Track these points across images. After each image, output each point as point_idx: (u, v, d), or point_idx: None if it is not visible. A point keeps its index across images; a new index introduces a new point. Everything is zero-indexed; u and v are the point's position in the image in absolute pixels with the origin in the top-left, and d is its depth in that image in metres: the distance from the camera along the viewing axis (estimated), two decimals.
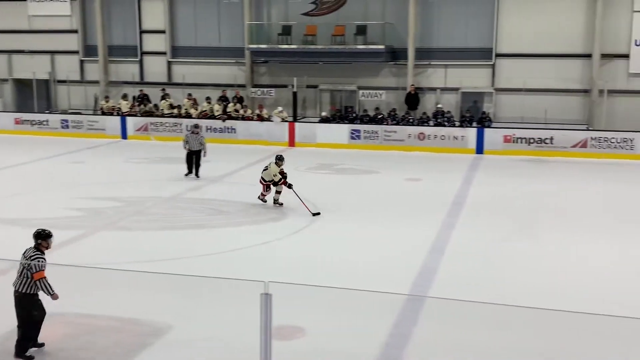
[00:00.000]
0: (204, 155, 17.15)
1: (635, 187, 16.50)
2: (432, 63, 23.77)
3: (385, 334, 7.72)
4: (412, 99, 23.25)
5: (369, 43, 23.57)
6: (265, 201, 14.23)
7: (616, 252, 11.20)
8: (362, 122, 22.93)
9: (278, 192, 14.07)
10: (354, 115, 23.51)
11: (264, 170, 14.10)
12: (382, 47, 23.29)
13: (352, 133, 22.54)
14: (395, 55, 23.93)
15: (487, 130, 21.52)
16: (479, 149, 21.36)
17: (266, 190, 14.14)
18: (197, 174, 17.06)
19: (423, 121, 22.47)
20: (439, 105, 22.85)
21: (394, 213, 13.75)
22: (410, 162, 20.09)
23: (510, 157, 20.65)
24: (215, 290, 8.74)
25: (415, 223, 12.92)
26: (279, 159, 13.96)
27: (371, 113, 23.12)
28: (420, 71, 23.90)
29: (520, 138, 21.09)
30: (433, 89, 23.88)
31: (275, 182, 13.90)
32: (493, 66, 23.27)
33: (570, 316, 6.40)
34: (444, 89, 23.80)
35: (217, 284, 7.84)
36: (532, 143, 20.94)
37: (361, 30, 23.74)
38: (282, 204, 14.05)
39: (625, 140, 20.26)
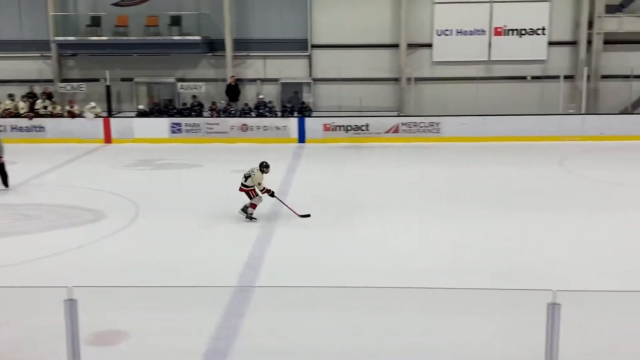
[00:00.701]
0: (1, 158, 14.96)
1: (443, 168, 17.70)
2: (250, 54, 23.79)
3: (213, 327, 7.56)
4: (233, 91, 23.11)
5: (185, 34, 23.05)
6: (254, 219, 12.34)
7: (428, 230, 11.92)
8: (182, 115, 22.40)
9: (252, 205, 12.38)
10: (173, 108, 22.90)
11: (246, 176, 12.47)
12: (198, 38, 22.87)
13: (173, 127, 21.94)
14: (213, 46, 23.63)
15: (307, 120, 21.99)
16: (301, 138, 21.78)
17: (253, 197, 12.35)
18: (6, 184, 15.14)
19: (245, 112, 22.44)
20: (260, 96, 22.94)
21: (218, 206, 13.55)
22: (234, 153, 19.98)
23: (330, 144, 21.28)
24: (21, 300, 8.01)
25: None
26: (265, 167, 12.45)
27: (190, 103, 22.66)
28: (240, 62, 23.83)
29: (338, 126, 21.80)
30: (253, 80, 23.92)
31: (257, 190, 12.34)
32: (309, 57, 23.80)
33: (385, 292, 6.66)
34: (264, 80, 23.93)
35: (21, 293, 7.19)
36: (350, 130, 21.75)
37: (175, 20, 23.13)
38: (256, 219, 12.36)
39: (432, 124, 21.70)
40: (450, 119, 21.78)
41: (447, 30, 23.15)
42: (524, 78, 23.25)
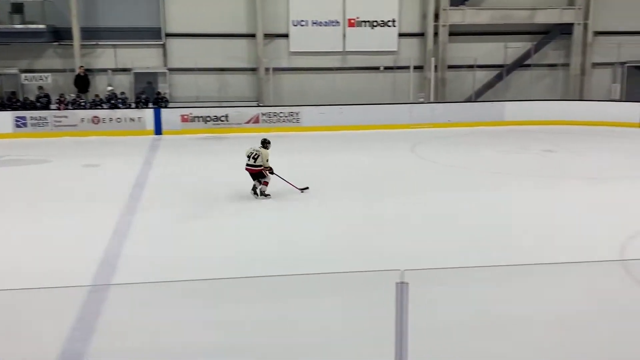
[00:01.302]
0: None
1: (302, 156, 17.94)
2: (100, 43, 22.76)
3: (67, 329, 7.18)
4: (82, 81, 22.01)
5: (28, 22, 21.64)
6: (268, 195, 12.81)
7: (286, 217, 12.04)
8: (27, 108, 21.02)
9: (265, 183, 12.84)
10: (17, 100, 21.43)
11: (254, 157, 12.69)
12: (43, 26, 21.57)
13: (17, 121, 20.56)
14: (59, 34, 22.35)
15: (164, 111, 21.43)
16: (158, 130, 21.19)
17: (266, 175, 12.75)
18: None
19: (96, 104, 21.45)
20: (110, 87, 22.03)
21: (71, 202, 12.87)
22: (86, 147, 19.06)
23: (189, 136, 20.87)
24: None
25: (96, 210, 12.27)
26: (268, 142, 12.98)
27: (35, 95, 21.31)
28: (89, 52, 22.72)
29: (197, 117, 21.44)
30: (104, 70, 22.92)
31: (265, 168, 12.71)
32: (164, 46, 23.17)
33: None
34: (115, 70, 23.00)
35: None
36: (209, 121, 21.46)
37: (17, 8, 21.64)
38: (270, 195, 12.84)
39: (292, 114, 21.92)
40: (309, 109, 22.12)
41: (302, 20, 23.44)
42: (377, 68, 24.08)
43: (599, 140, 19.74)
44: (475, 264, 5.29)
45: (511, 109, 22.86)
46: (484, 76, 24.41)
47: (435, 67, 23.75)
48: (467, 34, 24.27)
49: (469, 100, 24.15)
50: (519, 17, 24.00)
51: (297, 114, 21.95)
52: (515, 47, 24.38)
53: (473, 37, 24.37)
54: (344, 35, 23.69)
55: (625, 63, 24.51)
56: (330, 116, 21.97)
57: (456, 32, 24.14)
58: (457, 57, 24.17)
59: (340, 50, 23.79)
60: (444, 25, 23.98)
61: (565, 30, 24.42)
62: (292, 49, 23.63)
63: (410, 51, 24.16)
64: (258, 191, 12.87)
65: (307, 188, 13.36)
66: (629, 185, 14.11)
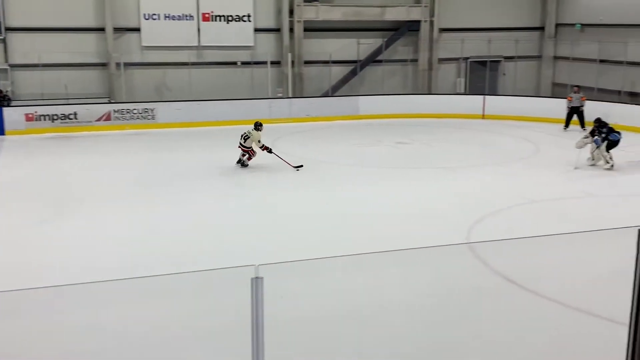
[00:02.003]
0: None
1: (158, 155, 17.42)
2: None
3: None
4: None
5: None
6: (247, 165, 14.99)
7: (134, 218, 11.66)
8: None
9: (249, 158, 15.05)
10: None
11: (244, 137, 14.89)
12: None
13: None
14: None
15: (6, 110, 19.98)
16: (0, 131, 19.72)
17: (252, 155, 14.98)
18: None
19: None
20: None
21: None
22: None
23: (35, 135, 19.61)
24: None
25: None
26: (260, 125, 15.01)
27: None
28: None
29: (43, 115, 20.17)
30: None
31: (255, 149, 14.79)
32: (4, 41, 21.58)
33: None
34: None
35: None
36: (57, 120, 20.27)
37: None
38: (247, 165, 15.05)
39: (146, 110, 21.22)
40: (164, 105, 21.53)
41: (154, 14, 22.73)
42: (234, 63, 23.89)
43: (447, 132, 20.85)
44: (330, 255, 5.37)
45: (365, 103, 23.58)
46: (339, 72, 24.96)
47: (293, 62, 23.97)
48: (322, 30, 24.71)
49: (325, 95, 24.60)
50: (370, 14, 24.77)
51: (152, 110, 21.28)
52: (368, 44, 25.15)
53: (327, 33, 24.84)
54: (199, 30, 23.27)
55: (468, 58, 26.06)
56: (187, 112, 21.51)
57: (311, 28, 24.50)
58: (313, 53, 24.54)
59: (196, 44, 23.34)
60: (299, 21, 24.23)
61: (413, 27, 25.52)
62: (144, 44, 22.84)
63: (267, 46, 24.20)
64: (241, 163, 15.00)
65: (301, 166, 14.74)
66: (474, 173, 15.02)
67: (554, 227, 10.52)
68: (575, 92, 20.66)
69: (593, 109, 19.38)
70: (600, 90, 22.89)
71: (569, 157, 15.66)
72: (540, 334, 6.98)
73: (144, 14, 22.66)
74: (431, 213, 11.79)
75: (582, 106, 20.32)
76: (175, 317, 6.70)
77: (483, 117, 23.37)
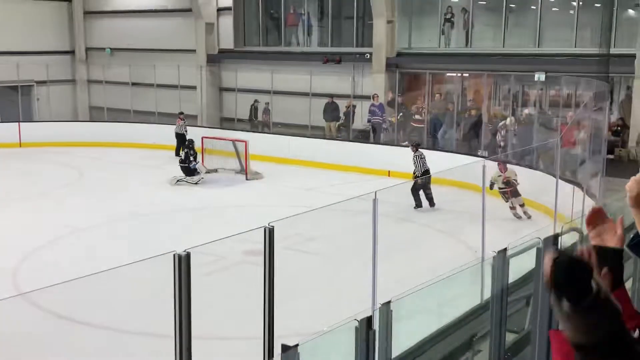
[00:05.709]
0: None
1: None
2: None
3: None
4: None
5: None
6: None
7: None
8: None
9: None
10: None
11: None
12: None
13: None
14: None
15: None
16: None
17: None
18: None
19: None
20: None
21: None
22: None
23: None
24: None
25: None
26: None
27: None
28: None
29: None
30: None
31: None
32: None
33: None
34: None
35: None
36: None
37: None
38: None
39: None
40: None
41: None
42: None
43: None
44: None
45: None
46: None
47: None
48: None
49: None
50: None
51: None
52: None
53: None
54: None
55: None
56: None
57: None
58: None
59: None
60: None
61: None
62: None
63: None
64: None
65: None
66: (16, 207, 14.02)
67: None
68: (181, 120, 20.32)
69: (133, 131, 20.19)
70: (136, 112, 23.90)
71: (114, 180, 15.94)
72: None
73: None
74: None
75: (183, 132, 19.78)
76: None
77: (20, 145, 21.94)
